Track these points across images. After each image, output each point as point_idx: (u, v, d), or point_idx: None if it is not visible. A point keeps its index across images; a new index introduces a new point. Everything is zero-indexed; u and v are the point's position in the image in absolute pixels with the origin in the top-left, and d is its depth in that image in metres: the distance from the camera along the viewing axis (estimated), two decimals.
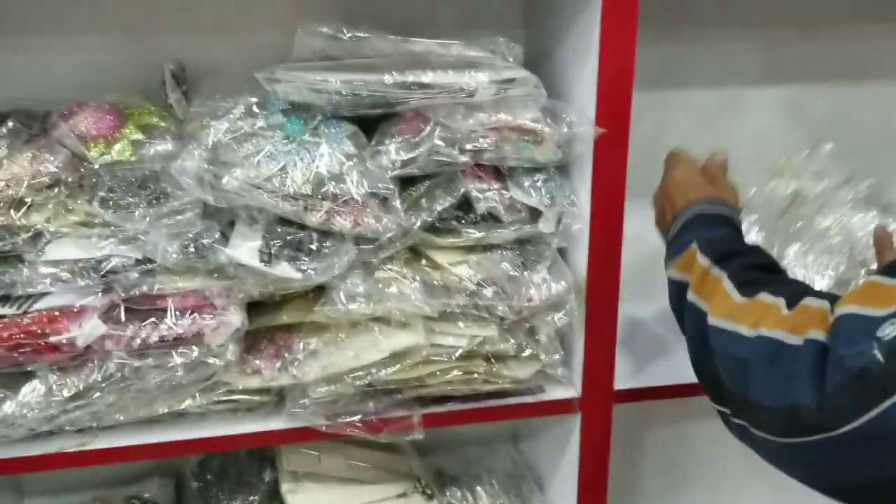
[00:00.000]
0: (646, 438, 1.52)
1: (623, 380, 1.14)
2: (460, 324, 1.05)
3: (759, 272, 0.81)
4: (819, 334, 0.64)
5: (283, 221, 0.95)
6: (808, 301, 0.69)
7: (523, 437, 1.39)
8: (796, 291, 0.72)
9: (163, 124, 0.96)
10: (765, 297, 0.74)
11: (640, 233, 1.30)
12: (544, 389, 1.11)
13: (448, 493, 1.23)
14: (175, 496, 1.19)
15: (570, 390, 1.12)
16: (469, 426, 1.09)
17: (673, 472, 1.55)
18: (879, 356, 0.57)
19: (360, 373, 0.98)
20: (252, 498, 1.11)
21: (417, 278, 1.01)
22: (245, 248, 0.91)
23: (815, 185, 1.25)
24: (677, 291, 0.87)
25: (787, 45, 1.35)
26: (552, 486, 1.27)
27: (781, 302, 0.71)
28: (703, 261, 0.83)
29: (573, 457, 1.15)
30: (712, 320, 0.77)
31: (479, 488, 1.24)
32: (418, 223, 0.99)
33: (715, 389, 0.77)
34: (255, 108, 0.95)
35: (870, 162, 1.41)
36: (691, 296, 0.83)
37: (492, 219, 1.05)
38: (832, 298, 0.68)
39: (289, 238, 0.93)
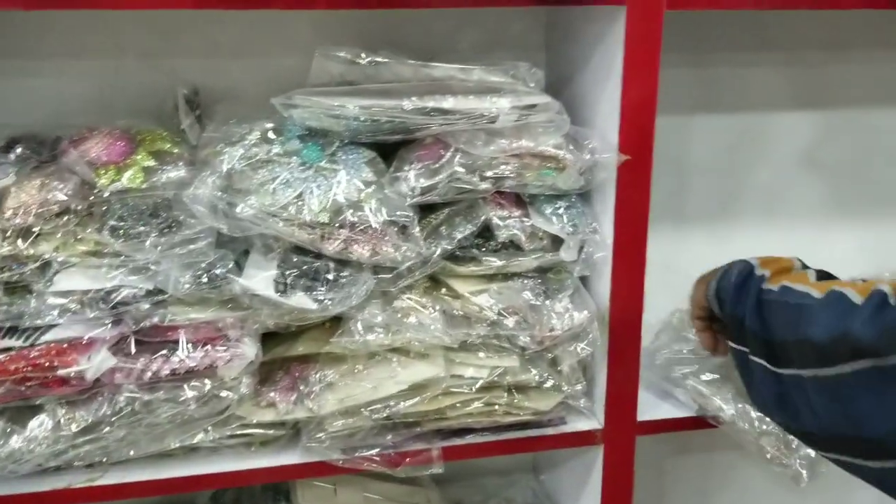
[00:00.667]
0: (669, 467, 1.48)
1: (646, 410, 1.11)
2: (481, 354, 1.02)
3: (834, 277, 0.85)
4: (885, 287, 0.68)
5: (300, 250, 0.92)
6: (877, 278, 0.73)
7: (544, 468, 1.36)
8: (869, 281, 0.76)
9: (175, 150, 0.93)
10: (840, 281, 0.79)
11: (663, 258, 1.29)
12: (566, 421, 1.08)
13: None
14: None
15: (592, 422, 1.08)
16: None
17: (697, 502, 1.51)
18: None
19: (378, 406, 0.95)
20: None
21: (437, 308, 0.98)
22: (260, 278, 0.89)
23: None
24: (746, 272, 0.89)
25: (813, 69, 1.32)
26: None
27: (857, 282, 0.75)
28: (792, 260, 0.89)
29: (595, 489, 1.12)
30: (789, 283, 0.80)
31: None
32: (438, 251, 0.96)
33: (760, 332, 0.81)
34: (270, 134, 0.92)
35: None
36: (760, 271, 0.87)
37: (513, 247, 1.02)
38: None
39: (305, 267, 0.91)
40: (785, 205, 1.38)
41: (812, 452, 1.01)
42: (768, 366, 0.81)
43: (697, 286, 1.00)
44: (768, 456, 1.00)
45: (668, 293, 1.16)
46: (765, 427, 1.01)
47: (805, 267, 0.88)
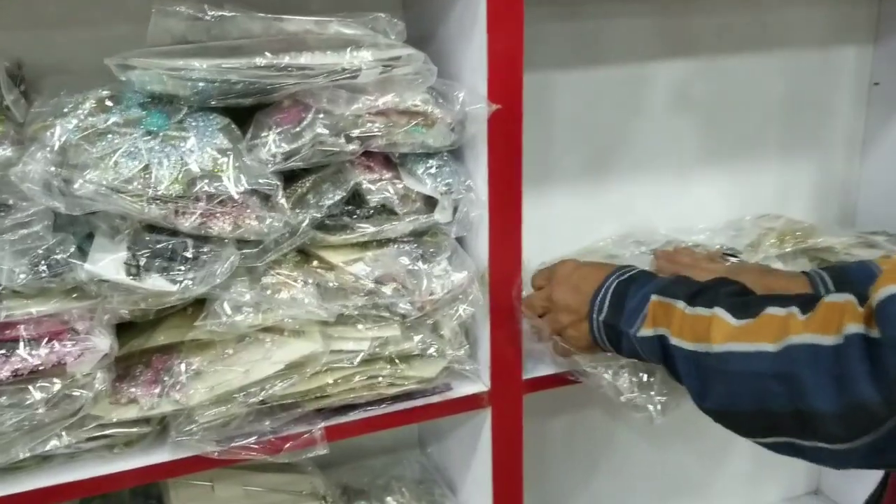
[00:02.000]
0: (553, 425, 1.48)
1: (530, 369, 1.09)
2: (360, 326, 0.97)
3: (743, 296, 0.77)
4: (857, 327, 0.60)
5: (152, 229, 0.84)
6: (829, 299, 0.65)
7: (430, 441, 1.33)
8: (805, 298, 0.68)
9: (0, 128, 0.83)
10: (773, 310, 0.69)
11: (530, 219, 1.28)
12: (451, 387, 1.05)
13: None
14: None
15: (478, 385, 1.06)
16: (372, 435, 1.01)
17: (583, 459, 1.53)
18: None
19: (253, 390, 0.89)
20: None
21: (310, 281, 0.92)
22: (108, 262, 0.80)
23: None
24: (659, 346, 0.80)
25: (676, 19, 1.34)
26: (465, 487, 1.21)
27: (794, 310, 0.67)
28: (675, 305, 0.79)
29: (485, 453, 1.09)
30: (720, 348, 0.71)
31: (388, 499, 1.16)
32: (306, 221, 0.90)
33: (753, 420, 0.70)
34: (108, 102, 0.83)
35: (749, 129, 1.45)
36: (677, 342, 0.77)
37: (386, 211, 0.97)
38: (854, 292, 0.63)
39: (159, 247, 0.82)
40: (652, 156, 1.40)
41: (664, 392, 0.99)
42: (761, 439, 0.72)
43: (565, 312, 0.93)
44: (623, 399, 1.00)
45: (543, 253, 1.15)
46: (619, 370, 1.00)
47: (691, 299, 0.77)
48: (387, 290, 0.95)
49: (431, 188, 0.97)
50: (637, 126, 1.38)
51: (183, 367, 0.88)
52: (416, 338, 0.99)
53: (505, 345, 1.04)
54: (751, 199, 1.50)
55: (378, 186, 0.95)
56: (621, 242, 1.30)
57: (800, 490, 1.77)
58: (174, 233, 0.84)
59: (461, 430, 1.16)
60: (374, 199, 0.95)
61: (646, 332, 0.82)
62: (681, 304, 0.79)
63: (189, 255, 0.82)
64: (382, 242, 0.97)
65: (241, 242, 0.88)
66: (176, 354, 0.89)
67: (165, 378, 0.88)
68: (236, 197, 0.83)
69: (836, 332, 0.62)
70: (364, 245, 0.97)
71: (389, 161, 0.98)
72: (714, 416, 0.75)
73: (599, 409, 1.50)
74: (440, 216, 0.99)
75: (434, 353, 1.00)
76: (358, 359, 0.94)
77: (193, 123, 0.85)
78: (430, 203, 0.99)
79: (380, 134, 0.92)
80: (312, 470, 1.15)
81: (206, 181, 0.82)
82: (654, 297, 0.82)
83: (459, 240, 1.03)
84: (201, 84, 0.83)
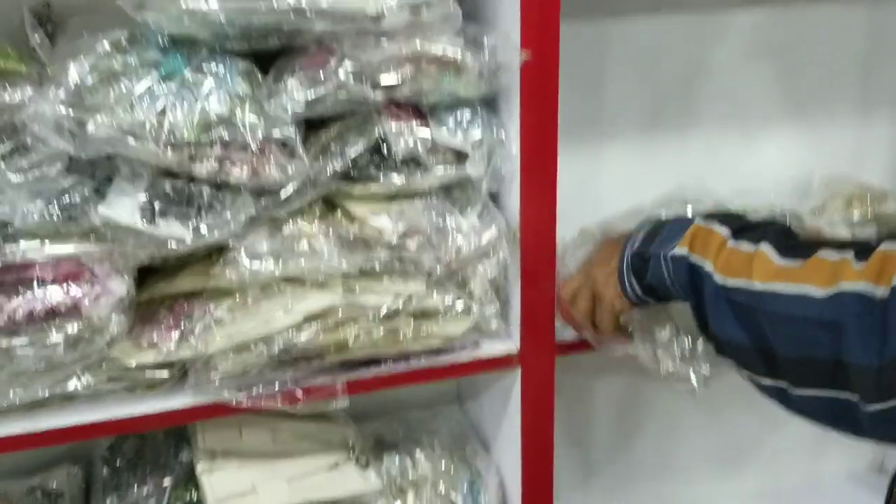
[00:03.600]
0: (595, 388, 1.44)
1: (565, 329, 1.06)
2: (384, 280, 0.95)
3: (796, 238, 0.71)
4: None
5: (171, 174, 0.83)
6: (885, 246, 0.60)
7: (468, 397, 1.31)
8: (861, 246, 0.63)
9: (24, 69, 0.83)
10: (826, 254, 0.64)
11: (577, 175, 1.23)
12: (480, 345, 1.02)
13: (386, 460, 1.14)
14: (84, 485, 1.08)
15: (508, 344, 1.03)
16: (410, 389, 1.00)
17: (624, 422, 1.49)
18: None
19: (273, 339, 0.88)
20: (165, 483, 1.01)
21: (332, 233, 0.91)
22: (123, 206, 0.80)
23: None
24: (688, 271, 0.75)
25: None
26: (497, 446, 1.19)
27: (849, 255, 0.62)
28: (718, 232, 0.73)
29: (515, 414, 1.07)
30: (762, 286, 0.66)
31: (418, 453, 1.16)
32: (329, 171, 0.88)
33: (768, 361, 0.67)
34: (124, 44, 0.82)
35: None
36: (712, 271, 0.72)
37: (413, 163, 0.94)
38: None
39: (175, 192, 0.82)
40: (716, 111, 1.31)
41: (707, 366, 0.94)
42: (788, 387, 0.67)
43: (600, 268, 0.91)
44: (663, 372, 0.96)
45: (586, 213, 1.11)
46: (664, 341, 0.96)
47: (737, 233, 0.72)
48: (411, 244, 0.92)
49: (461, 140, 0.93)
50: (701, 79, 1.29)
51: (203, 313, 0.88)
52: (443, 294, 0.96)
53: (536, 305, 1.00)
54: (822, 160, 1.40)
55: (405, 137, 0.92)
56: (667, 203, 1.24)
57: (862, 465, 1.69)
58: (192, 179, 0.83)
59: (494, 388, 1.13)
60: (400, 150, 0.92)
61: (681, 251, 0.76)
62: (724, 233, 0.73)
63: (205, 201, 0.81)
64: (409, 195, 0.95)
65: (261, 191, 0.86)
66: (198, 301, 0.90)
67: (185, 324, 0.88)
68: (254, 144, 0.81)
69: (888, 284, 0.57)
70: (390, 198, 0.94)
71: (418, 111, 0.94)
72: (727, 347, 0.71)
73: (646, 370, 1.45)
74: (471, 169, 0.95)
75: (461, 311, 0.98)
76: (381, 313, 0.93)
77: (213, 67, 0.83)
78: (461, 156, 0.95)
79: (407, 82, 0.89)
80: (344, 420, 1.15)
81: (223, 127, 0.81)
82: (697, 221, 0.78)
83: (491, 196, 0.99)
84: (220, 27, 0.81)
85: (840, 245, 0.65)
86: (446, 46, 0.88)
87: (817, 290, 0.62)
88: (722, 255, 0.71)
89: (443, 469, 1.13)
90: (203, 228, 0.81)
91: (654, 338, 0.98)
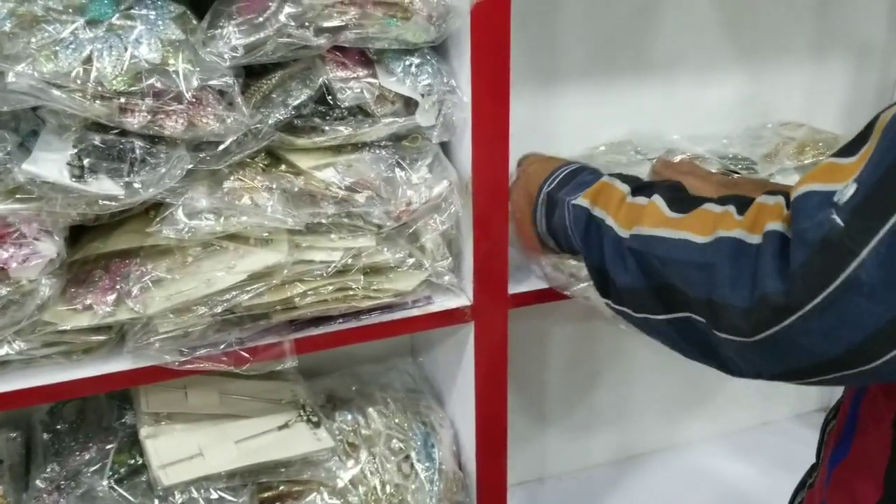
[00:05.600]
0: (549, 334, 1.44)
1: (519, 282, 1.04)
2: (333, 236, 0.91)
3: (688, 195, 0.77)
4: (778, 225, 0.61)
5: (101, 127, 0.78)
6: (762, 199, 0.64)
7: (421, 350, 1.29)
8: (744, 200, 0.67)
9: None
10: (710, 206, 0.69)
11: (529, 119, 1.20)
12: (432, 300, 1.00)
13: (338, 417, 1.12)
14: (24, 450, 1.04)
15: (461, 298, 1.01)
16: (363, 343, 0.97)
17: (578, 368, 1.49)
18: (838, 220, 0.54)
19: (215, 300, 0.84)
20: (109, 447, 0.97)
21: (275, 187, 0.87)
22: (50, 162, 0.74)
23: None
24: (585, 218, 0.81)
25: None
26: (451, 399, 1.18)
27: (731, 209, 0.67)
28: (619, 189, 0.79)
29: (468, 368, 1.05)
30: (648, 231, 0.72)
31: (371, 409, 1.14)
32: (270, 121, 0.84)
33: (660, 295, 0.71)
34: None
35: None
36: (609, 222, 0.78)
37: (360, 113, 0.90)
38: (786, 193, 0.63)
39: (106, 146, 0.77)
40: (668, 55, 1.29)
41: None
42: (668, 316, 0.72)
43: (519, 213, 0.95)
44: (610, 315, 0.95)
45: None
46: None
47: (636, 191, 0.78)
48: (359, 198, 0.89)
49: (410, 88, 0.90)
50: (654, 21, 1.27)
51: (140, 273, 0.83)
52: (393, 249, 0.93)
53: (489, 258, 0.98)
54: (775, 105, 1.40)
55: (351, 84, 0.88)
56: (620, 148, 1.22)
57: (810, 406, 1.73)
58: (124, 132, 0.78)
59: (447, 342, 1.12)
60: (347, 99, 0.88)
61: (583, 201, 0.82)
62: (625, 189, 0.79)
63: (137, 156, 0.77)
64: (357, 146, 0.91)
65: (199, 144, 0.82)
66: (135, 260, 0.85)
67: (122, 285, 0.84)
68: (188, 94, 0.76)
69: (760, 232, 0.62)
70: (337, 149, 0.90)
71: (365, 57, 0.90)
72: (625, 294, 0.76)
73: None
74: (421, 119, 0.92)
75: (412, 266, 0.95)
76: (329, 270, 0.89)
77: (143, 12, 0.78)
78: (411, 105, 0.91)
79: (352, 26, 0.84)
80: (294, 377, 1.12)
81: (155, 76, 0.76)
82: (604, 178, 0.83)
83: (443, 146, 0.96)
84: None
85: (724, 200, 0.70)
86: None
87: (698, 237, 0.67)
88: (622, 209, 0.77)
89: (396, 423, 1.12)
90: (136, 184, 0.76)
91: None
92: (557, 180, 0.89)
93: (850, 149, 0.58)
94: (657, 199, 0.74)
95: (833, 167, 0.58)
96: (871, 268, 0.52)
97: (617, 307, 0.79)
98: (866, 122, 0.58)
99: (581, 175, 0.87)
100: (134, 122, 0.76)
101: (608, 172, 0.86)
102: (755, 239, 0.62)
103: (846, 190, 0.54)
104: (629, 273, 0.74)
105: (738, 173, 1.18)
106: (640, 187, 0.79)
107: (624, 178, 0.82)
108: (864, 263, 0.52)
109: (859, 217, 0.53)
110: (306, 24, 0.83)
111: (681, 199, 0.74)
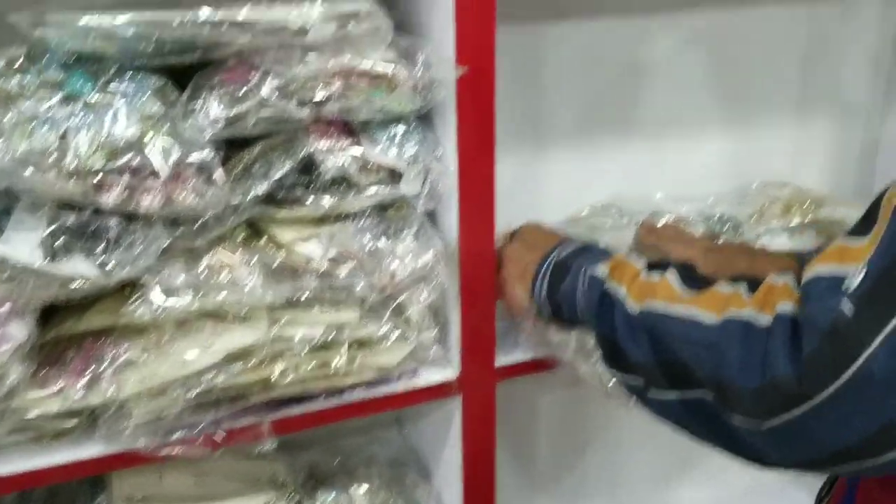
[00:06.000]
0: (538, 404, 1.41)
1: (507, 353, 1.01)
2: (314, 310, 0.88)
3: (700, 274, 0.77)
4: (788, 306, 0.60)
5: (75, 206, 0.75)
6: (771, 280, 0.64)
7: (407, 421, 1.25)
8: (754, 279, 0.67)
9: None
10: (721, 287, 0.69)
11: (515, 182, 1.19)
12: (418, 373, 0.97)
13: (320, 496, 1.08)
14: None
15: (447, 371, 0.98)
16: None
17: (568, 437, 1.46)
18: (847, 308, 0.54)
19: (190, 382, 0.81)
20: None
21: (255, 262, 0.84)
22: (22, 242, 0.71)
23: None
24: (599, 292, 0.80)
25: None
26: (438, 473, 1.14)
27: (742, 287, 0.67)
28: (635, 263, 0.79)
29: (455, 441, 1.02)
30: (661, 307, 0.72)
31: (355, 486, 1.09)
32: (250, 195, 0.82)
33: (677, 373, 0.70)
34: (22, 62, 0.74)
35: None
36: (618, 289, 0.78)
37: (344, 183, 0.88)
38: (797, 275, 0.63)
39: (81, 226, 0.74)
40: (654, 117, 1.29)
41: None
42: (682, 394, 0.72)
43: (512, 278, 0.92)
44: (609, 388, 0.92)
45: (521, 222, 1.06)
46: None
47: (651, 267, 0.79)
48: (342, 271, 0.86)
49: (395, 158, 0.88)
50: (638, 83, 1.26)
51: (113, 355, 0.80)
52: (377, 322, 0.91)
53: (476, 328, 0.95)
54: (761, 163, 1.39)
55: (335, 155, 0.86)
56: (604, 211, 1.21)
57: None
58: (98, 211, 0.75)
59: (434, 414, 1.08)
60: (329, 170, 0.85)
61: (601, 272, 0.81)
62: (640, 265, 0.79)
63: (112, 235, 0.74)
64: (340, 217, 0.89)
65: (180, 220, 0.79)
66: (109, 340, 0.82)
67: (95, 367, 0.80)
68: (165, 170, 0.74)
69: (770, 312, 0.61)
70: (319, 220, 0.88)
71: (349, 127, 0.88)
72: (636, 368, 0.75)
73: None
74: (406, 188, 0.90)
75: (397, 339, 0.92)
76: (309, 347, 0.86)
77: (122, 86, 0.76)
78: (395, 175, 0.89)
79: (336, 98, 0.83)
80: (273, 456, 1.08)
81: (133, 152, 0.73)
82: (619, 254, 0.84)
83: (430, 215, 0.94)
84: (129, 42, 0.74)
85: (736, 280, 0.70)
86: (376, 61, 0.83)
87: (708, 317, 0.67)
88: (636, 284, 0.77)
89: (380, 503, 1.07)
90: (111, 264, 0.73)
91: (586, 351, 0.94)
92: (569, 251, 0.88)
93: (859, 228, 0.57)
94: (670, 276, 0.74)
95: (843, 250, 0.58)
96: (883, 359, 0.51)
97: (625, 379, 0.79)
98: (856, 179, 0.58)
99: (595, 249, 0.87)
100: (109, 200, 0.73)
101: (592, 236, 0.85)
102: (765, 320, 0.61)
103: (855, 276, 0.54)
104: (640, 348, 0.73)
105: (723, 233, 1.17)
106: (654, 264, 0.80)
107: (640, 254, 0.83)
108: (875, 356, 0.51)
109: (868, 306, 0.52)
110: (289, 95, 0.81)
111: (693, 278, 0.74)
